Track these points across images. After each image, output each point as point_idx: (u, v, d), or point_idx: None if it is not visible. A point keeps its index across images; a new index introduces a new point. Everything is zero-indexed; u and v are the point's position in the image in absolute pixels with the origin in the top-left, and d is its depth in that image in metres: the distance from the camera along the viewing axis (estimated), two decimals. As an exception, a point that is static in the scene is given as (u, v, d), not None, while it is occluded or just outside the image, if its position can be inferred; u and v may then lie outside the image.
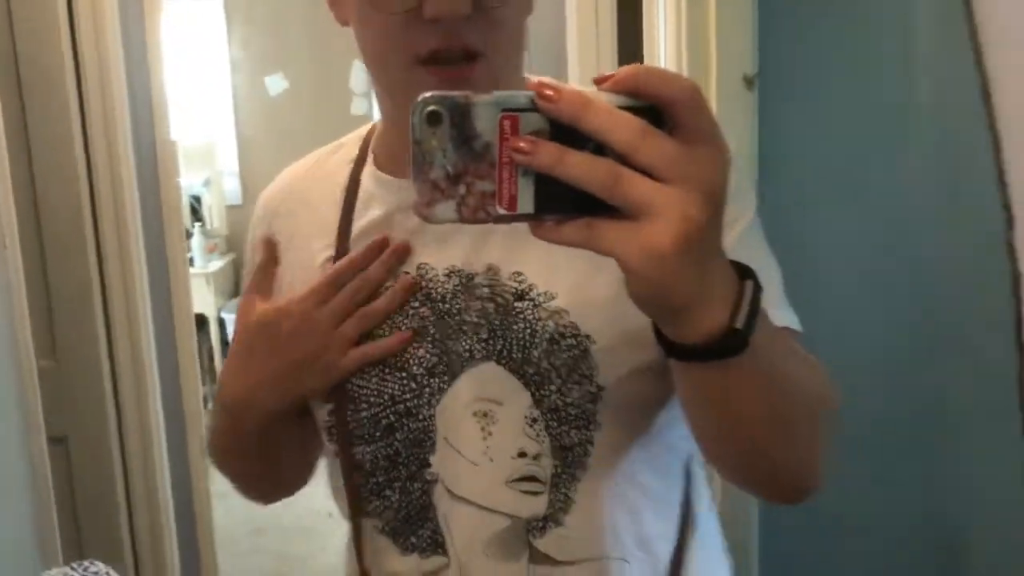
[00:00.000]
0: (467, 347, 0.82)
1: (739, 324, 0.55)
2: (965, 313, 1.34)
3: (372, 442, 0.85)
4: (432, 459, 0.83)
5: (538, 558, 0.82)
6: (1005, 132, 0.58)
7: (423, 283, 0.83)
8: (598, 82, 0.50)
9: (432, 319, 0.82)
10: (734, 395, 0.61)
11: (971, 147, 1.25)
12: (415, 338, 0.82)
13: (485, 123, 0.49)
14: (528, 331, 0.80)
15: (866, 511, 1.55)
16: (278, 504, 1.04)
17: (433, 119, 0.49)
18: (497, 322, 0.80)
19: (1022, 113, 0.56)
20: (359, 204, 0.87)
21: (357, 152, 0.90)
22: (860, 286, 1.53)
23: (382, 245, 0.83)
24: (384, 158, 0.88)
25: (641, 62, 1.63)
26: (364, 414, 0.84)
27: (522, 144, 0.48)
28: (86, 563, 1.44)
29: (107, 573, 1.43)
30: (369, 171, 0.88)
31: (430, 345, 0.82)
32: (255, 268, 0.89)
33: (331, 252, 0.86)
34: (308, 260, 0.88)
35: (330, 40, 3.50)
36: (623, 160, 0.49)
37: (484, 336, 0.81)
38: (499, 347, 0.81)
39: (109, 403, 2.12)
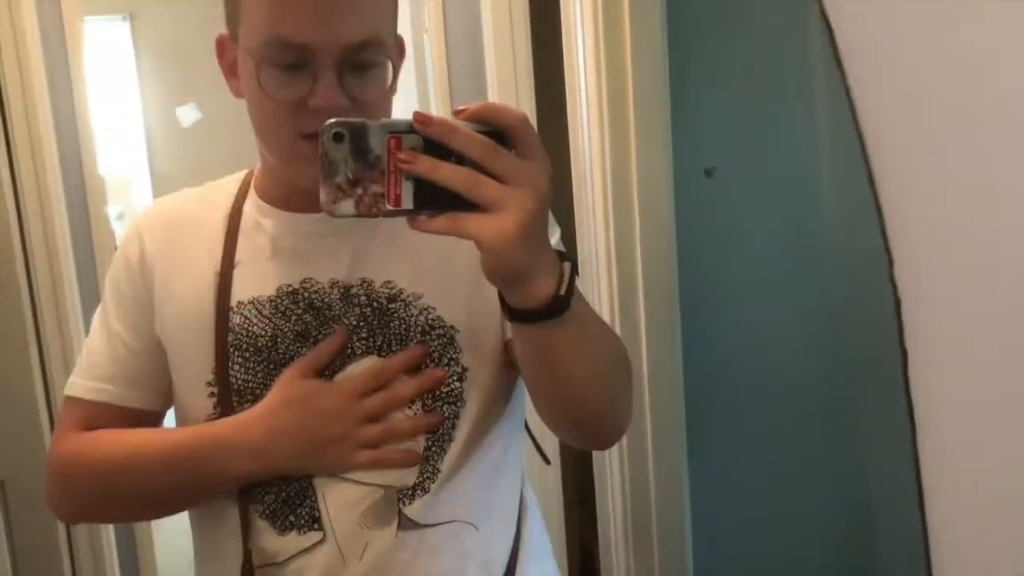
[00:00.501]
0: (349, 346, 0.95)
1: (562, 292, 0.74)
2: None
3: None
4: None
5: (405, 524, 0.94)
6: (876, 163, 0.62)
7: (306, 295, 0.95)
8: (458, 113, 0.69)
9: (315, 324, 0.95)
10: (560, 349, 0.80)
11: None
12: (298, 339, 0.95)
13: (377, 141, 0.67)
14: (403, 326, 0.95)
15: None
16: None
17: (338, 138, 0.67)
18: (375, 322, 0.95)
19: (892, 140, 0.61)
20: (243, 228, 0.99)
21: (239, 188, 1.03)
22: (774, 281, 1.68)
23: (419, 355, 0.95)
24: (266, 195, 1.00)
25: (557, 69, 1.77)
26: (248, 405, 0.94)
27: (406, 156, 0.67)
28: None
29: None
30: (253, 202, 1.01)
31: (313, 345, 0.95)
32: (319, 351, 0.95)
33: (217, 268, 0.97)
34: (196, 272, 0.98)
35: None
36: (478, 169, 0.67)
37: (364, 335, 0.95)
38: (379, 342, 0.95)
39: (48, 444, 2.11)
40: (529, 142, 0.70)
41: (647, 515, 1.71)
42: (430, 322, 0.95)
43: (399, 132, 0.67)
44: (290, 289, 0.95)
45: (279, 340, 0.95)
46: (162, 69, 4.46)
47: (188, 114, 4.44)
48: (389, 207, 0.68)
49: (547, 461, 1.12)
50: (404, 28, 2.30)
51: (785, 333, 1.69)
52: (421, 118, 0.67)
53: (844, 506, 1.72)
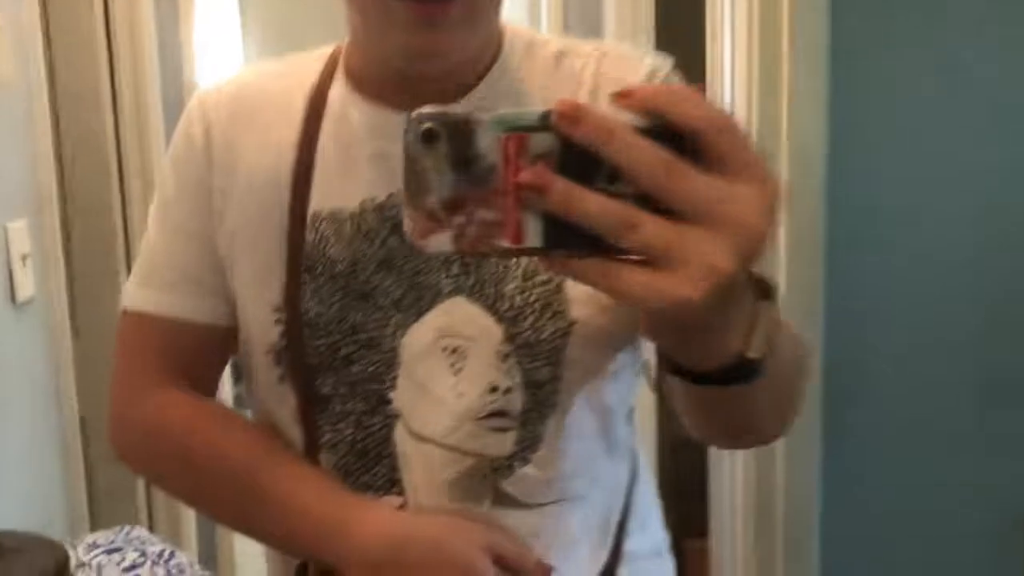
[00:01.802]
0: (436, 281, 0.79)
1: (753, 353, 0.52)
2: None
3: (328, 371, 0.80)
4: (392, 395, 0.80)
5: (503, 500, 0.80)
6: None
7: (393, 212, 0.78)
8: (619, 98, 0.45)
9: (401, 251, 0.79)
10: (738, 404, 0.60)
11: None
12: (381, 268, 0.79)
13: (488, 144, 0.44)
14: (501, 267, 0.78)
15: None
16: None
17: (429, 137, 0.44)
18: (469, 257, 0.78)
19: None
20: (327, 116, 0.81)
21: (324, 65, 0.84)
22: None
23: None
24: (355, 79, 0.82)
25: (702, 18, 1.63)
26: (320, 341, 0.80)
27: (531, 179, 0.43)
28: (127, 528, 1.42)
29: (148, 537, 1.40)
30: (340, 87, 0.82)
31: (398, 276, 0.79)
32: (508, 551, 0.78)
33: (293, 166, 0.81)
34: (268, 167, 0.81)
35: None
36: (649, 196, 0.43)
37: (455, 271, 0.79)
38: (471, 282, 0.78)
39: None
40: (736, 154, 0.44)
41: (771, 502, 1.55)
42: (534, 265, 0.78)
43: (523, 129, 0.44)
44: (376, 204, 0.79)
45: (359, 268, 0.79)
46: (267, 24, 4.44)
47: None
48: (505, 244, 0.45)
49: (656, 390, 0.95)
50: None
51: (937, 329, 1.52)
52: (567, 111, 0.43)
53: (993, 511, 1.54)
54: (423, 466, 0.80)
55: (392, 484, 0.80)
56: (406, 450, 0.80)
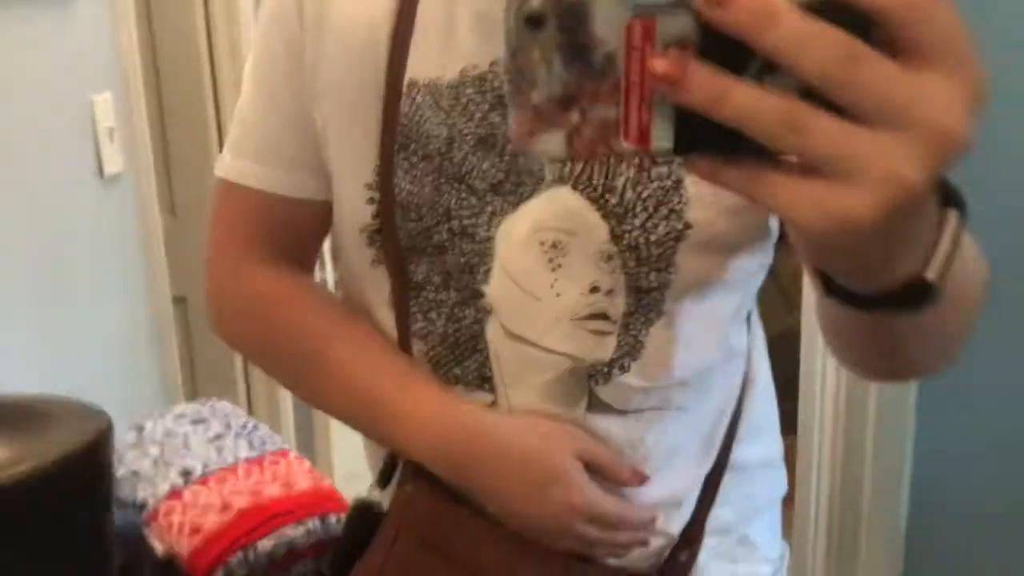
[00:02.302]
0: (540, 166, 0.72)
1: (931, 275, 0.43)
2: None
3: (421, 256, 0.76)
4: (486, 289, 0.75)
5: (598, 406, 0.75)
6: None
7: (497, 83, 0.70)
8: None
9: (503, 129, 0.71)
10: (906, 333, 0.53)
11: None
12: (479, 147, 0.71)
13: (608, 27, 0.36)
14: (614, 156, 0.70)
15: None
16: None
17: (535, 23, 0.37)
18: (584, 161, 0.70)
19: None
20: None
21: None
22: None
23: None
24: None
25: None
26: (413, 224, 0.75)
27: (666, 70, 0.35)
28: (213, 400, 1.45)
29: (233, 410, 1.44)
30: None
31: (497, 159, 0.72)
32: (601, 458, 0.76)
33: (391, 27, 0.72)
34: (363, 27, 0.73)
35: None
36: (813, 93, 0.35)
37: None
38: (578, 171, 0.71)
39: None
40: (938, 40, 0.35)
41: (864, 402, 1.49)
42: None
43: (652, 10, 0.36)
44: (477, 72, 0.71)
45: (456, 146, 0.72)
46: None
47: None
48: (627, 145, 0.38)
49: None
50: None
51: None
52: None
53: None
54: (516, 366, 0.75)
55: (483, 381, 0.76)
56: (498, 348, 0.75)
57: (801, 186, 0.36)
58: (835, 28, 0.34)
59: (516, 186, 0.72)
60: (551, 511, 0.73)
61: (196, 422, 1.37)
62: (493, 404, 0.76)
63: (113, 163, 1.51)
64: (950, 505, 1.51)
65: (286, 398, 2.27)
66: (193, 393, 2.03)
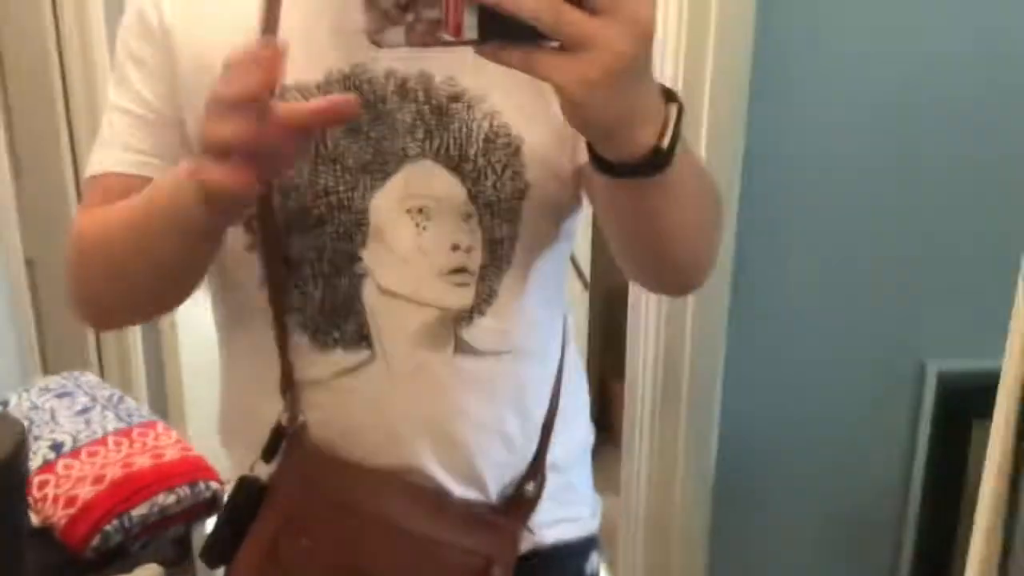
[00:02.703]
0: (402, 146, 0.84)
1: (664, 144, 0.62)
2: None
3: (300, 233, 0.86)
4: (363, 253, 0.86)
5: (463, 347, 0.88)
6: None
7: (357, 82, 0.83)
8: None
9: (367, 118, 0.84)
10: (655, 202, 0.70)
11: None
12: (348, 134, 0.84)
13: None
14: (464, 130, 0.84)
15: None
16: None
17: None
18: (433, 122, 0.84)
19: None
20: None
21: None
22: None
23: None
24: None
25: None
26: (292, 204, 0.85)
27: None
28: (76, 373, 1.50)
29: (98, 382, 1.49)
30: None
31: (365, 142, 0.84)
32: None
33: (255, 39, 0.80)
34: (228, 41, 0.76)
35: None
36: None
37: (420, 136, 0.84)
38: (436, 145, 0.84)
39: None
40: None
41: (680, 355, 1.68)
42: (495, 129, 0.84)
43: None
44: (341, 74, 0.83)
45: (328, 134, 0.84)
46: None
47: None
48: (447, 37, 0.55)
49: (587, 286, 1.05)
50: None
51: (846, 190, 1.60)
52: None
53: (888, 369, 1.68)
54: (390, 320, 0.87)
55: (361, 338, 0.88)
56: (374, 305, 0.87)
57: (559, 59, 0.56)
58: None
59: (382, 164, 0.85)
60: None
61: (61, 395, 1.42)
62: (371, 358, 0.88)
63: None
64: (757, 442, 1.75)
65: (139, 368, 2.31)
66: (45, 360, 2.04)
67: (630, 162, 0.62)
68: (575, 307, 2.41)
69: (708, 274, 0.86)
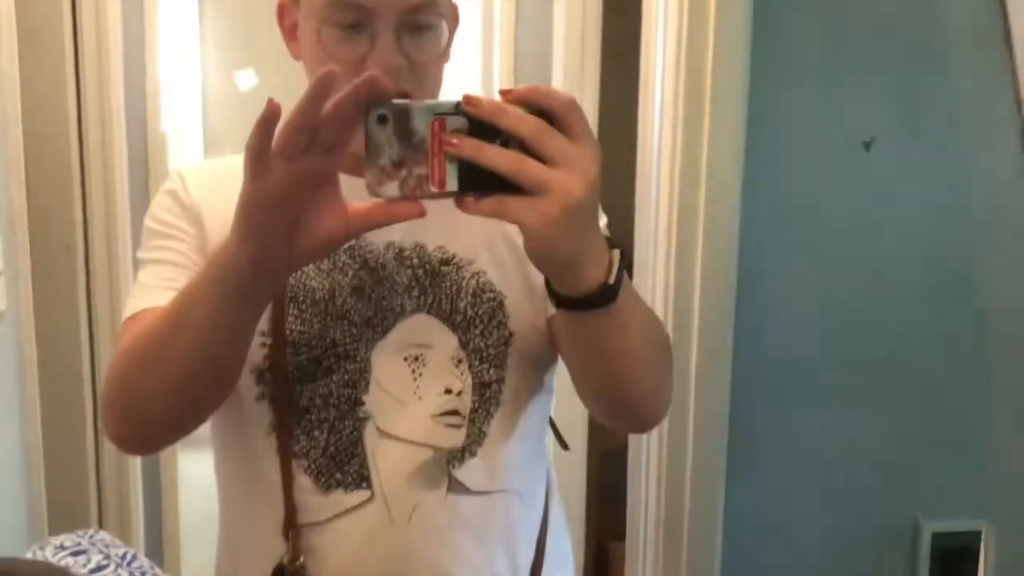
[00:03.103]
0: (400, 303, 0.96)
1: (611, 280, 0.73)
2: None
3: (309, 382, 0.94)
4: (365, 398, 0.95)
5: (455, 487, 0.95)
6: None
7: (361, 252, 0.95)
8: (504, 94, 0.67)
9: (370, 281, 0.95)
10: (605, 336, 0.80)
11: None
12: (354, 294, 0.94)
13: (420, 123, 0.66)
14: (454, 287, 0.96)
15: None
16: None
17: (382, 120, 0.66)
18: (427, 282, 0.96)
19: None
20: None
21: None
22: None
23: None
24: None
25: (637, 64, 1.78)
26: (304, 357, 0.94)
27: (452, 139, 0.65)
28: (90, 531, 1.52)
29: (112, 540, 1.50)
30: None
31: (367, 301, 0.95)
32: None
33: None
34: None
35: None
36: (525, 151, 0.66)
37: (415, 294, 0.96)
38: (429, 301, 0.96)
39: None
40: (578, 126, 0.67)
41: (679, 514, 1.71)
42: (481, 286, 0.97)
43: (444, 114, 0.66)
44: (347, 245, 0.93)
45: (336, 294, 0.95)
46: (225, 34, 4.51)
47: (246, 79, 4.48)
48: (433, 189, 0.66)
49: (566, 447, 1.13)
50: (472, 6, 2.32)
51: (841, 356, 1.68)
52: (470, 99, 0.65)
53: (884, 529, 1.71)
54: (389, 460, 0.94)
55: (361, 479, 0.94)
56: (374, 447, 0.95)
57: (523, 202, 0.66)
58: (536, 117, 0.66)
59: (383, 319, 0.96)
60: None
61: (76, 553, 1.43)
62: (371, 498, 0.94)
63: (-3, 304, 1.60)
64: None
65: (138, 502, 2.32)
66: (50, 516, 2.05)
67: (582, 295, 0.73)
68: (573, 469, 2.45)
69: (660, 410, 0.95)
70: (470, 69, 2.53)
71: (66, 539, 1.49)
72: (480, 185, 0.66)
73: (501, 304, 0.97)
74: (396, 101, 0.66)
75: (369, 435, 0.95)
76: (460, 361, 0.96)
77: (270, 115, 0.68)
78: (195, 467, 3.28)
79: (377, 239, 0.96)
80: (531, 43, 2.39)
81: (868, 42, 1.62)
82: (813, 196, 1.64)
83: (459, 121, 0.66)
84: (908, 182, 1.65)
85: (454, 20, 0.96)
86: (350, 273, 0.96)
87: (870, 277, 1.66)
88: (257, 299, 0.79)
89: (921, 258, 1.66)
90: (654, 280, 1.71)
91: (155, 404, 0.86)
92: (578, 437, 2.40)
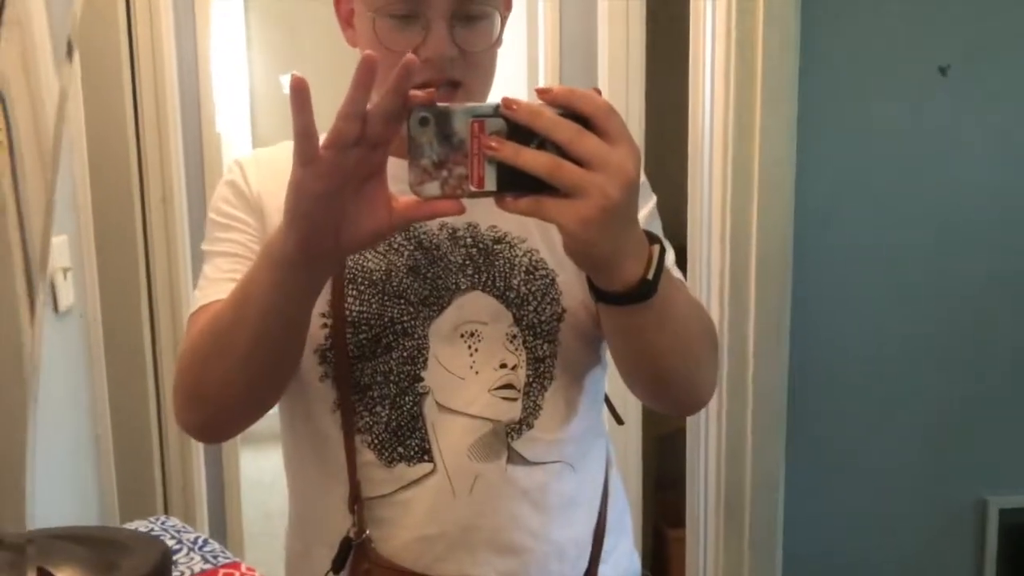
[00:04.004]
0: (455, 281, 0.97)
1: (650, 276, 0.74)
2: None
3: (370, 360, 0.96)
4: (424, 374, 0.97)
5: (514, 458, 0.97)
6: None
7: (415, 233, 0.98)
8: (540, 93, 0.68)
9: (424, 261, 0.98)
10: (647, 330, 0.81)
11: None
12: (409, 274, 0.96)
13: (461, 125, 0.68)
14: (507, 265, 0.98)
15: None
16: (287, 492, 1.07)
17: (423, 122, 0.68)
18: (480, 260, 0.98)
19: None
20: None
21: None
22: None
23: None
24: None
25: (686, 43, 1.78)
26: (364, 336, 0.96)
27: (491, 141, 0.67)
28: (162, 517, 1.56)
29: (183, 526, 1.55)
30: None
31: (423, 280, 0.97)
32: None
33: None
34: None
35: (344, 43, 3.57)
36: (562, 153, 0.67)
37: (469, 272, 0.98)
38: (484, 279, 0.98)
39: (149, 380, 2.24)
40: (615, 128, 0.68)
41: (740, 498, 1.70)
42: (534, 263, 0.98)
43: (483, 116, 0.67)
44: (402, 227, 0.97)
45: (392, 274, 0.97)
46: (271, 38, 4.59)
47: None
48: (473, 189, 0.68)
49: (620, 422, 1.14)
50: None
51: (898, 332, 1.66)
52: (508, 102, 0.67)
53: (948, 507, 1.69)
54: (449, 433, 0.96)
55: (423, 452, 0.97)
56: (435, 420, 0.97)
57: (560, 203, 0.67)
58: (571, 120, 0.67)
59: (439, 297, 0.98)
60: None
61: (149, 539, 1.48)
62: (433, 471, 0.96)
63: (65, 298, 1.65)
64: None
65: (202, 491, 2.38)
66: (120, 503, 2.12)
67: (622, 291, 0.74)
68: (629, 454, 2.45)
69: (704, 396, 0.97)
70: (515, 47, 2.54)
71: (140, 525, 1.54)
72: (518, 185, 0.68)
73: (553, 281, 0.98)
74: (436, 105, 0.68)
75: (429, 409, 0.97)
76: (514, 337, 0.97)
77: (298, 88, 0.69)
78: (256, 463, 3.38)
79: (431, 220, 0.96)
80: (575, 21, 2.39)
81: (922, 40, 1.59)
82: (869, 171, 1.63)
83: (498, 123, 0.67)
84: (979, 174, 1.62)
85: (506, 7, 0.97)
86: (405, 254, 0.98)
87: (933, 249, 1.65)
88: (309, 284, 0.81)
89: (987, 236, 1.64)
90: (709, 266, 1.71)
91: (224, 392, 0.88)
92: (632, 421, 2.40)
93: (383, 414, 0.97)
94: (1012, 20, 1.60)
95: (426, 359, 0.97)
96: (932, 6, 1.59)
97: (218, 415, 0.92)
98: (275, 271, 0.79)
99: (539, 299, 0.98)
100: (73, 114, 1.70)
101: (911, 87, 1.61)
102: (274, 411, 1.01)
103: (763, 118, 1.58)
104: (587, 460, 1.03)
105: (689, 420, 1.86)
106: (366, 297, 0.96)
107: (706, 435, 1.76)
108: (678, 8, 1.89)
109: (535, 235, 0.99)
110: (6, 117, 0.55)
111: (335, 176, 0.71)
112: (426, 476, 0.96)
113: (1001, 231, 1.64)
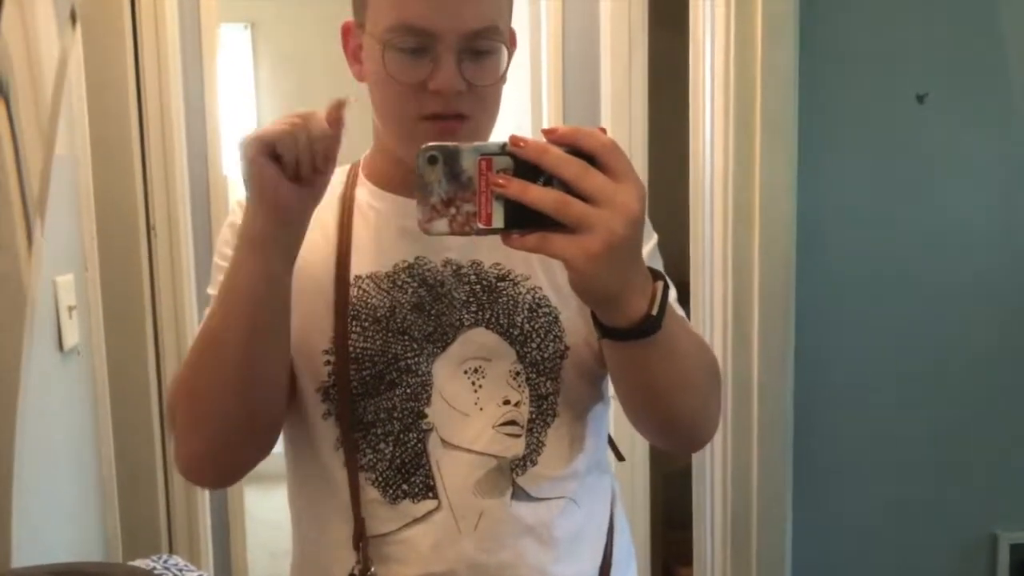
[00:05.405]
0: (459, 318, 0.98)
1: (654, 311, 0.75)
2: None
3: (375, 396, 0.96)
4: (428, 411, 0.97)
5: (519, 494, 0.97)
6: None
7: (419, 270, 0.98)
8: (547, 133, 0.69)
9: (429, 298, 0.98)
10: (651, 365, 0.82)
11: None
12: (414, 311, 0.97)
13: (469, 163, 0.69)
14: (511, 302, 0.99)
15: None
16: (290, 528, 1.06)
17: (432, 160, 0.69)
18: (484, 298, 0.99)
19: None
20: (357, 211, 1.02)
21: (346, 177, 1.05)
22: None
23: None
24: (378, 179, 1.03)
25: (686, 80, 1.80)
26: (367, 372, 0.96)
27: (499, 179, 0.68)
28: (165, 556, 1.55)
29: (185, 564, 1.54)
30: (365, 188, 1.04)
31: (427, 316, 0.98)
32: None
33: (334, 247, 0.99)
34: (312, 249, 0.94)
35: (351, 80, 3.58)
36: (568, 190, 0.68)
37: (473, 309, 0.99)
38: (487, 316, 0.99)
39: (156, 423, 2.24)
40: (620, 165, 0.69)
41: (747, 536, 1.69)
42: (537, 301, 0.99)
43: (490, 154, 0.69)
44: (405, 264, 0.99)
45: (397, 310, 0.98)
46: (279, 76, 4.65)
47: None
48: (480, 226, 0.69)
49: (621, 458, 1.14)
50: (521, 25, 2.37)
51: (905, 363, 1.66)
52: (515, 140, 0.68)
53: (958, 542, 1.67)
54: (453, 470, 0.97)
55: (428, 489, 0.97)
56: (438, 458, 0.97)
57: (566, 239, 0.68)
58: (577, 158, 0.68)
59: (443, 334, 0.98)
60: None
61: (151, 578, 1.47)
62: (437, 507, 0.96)
63: (70, 337, 1.65)
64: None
65: (206, 531, 2.36)
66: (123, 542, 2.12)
67: (627, 327, 0.75)
68: (636, 492, 2.43)
69: (707, 432, 0.96)
70: (518, 87, 2.56)
71: (142, 563, 1.54)
72: (526, 221, 0.69)
73: (556, 319, 0.99)
74: (445, 143, 0.69)
75: (433, 446, 0.97)
76: (518, 374, 0.98)
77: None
78: (262, 502, 3.36)
79: (435, 257, 0.99)
80: (577, 44, 2.42)
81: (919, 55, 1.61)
82: (868, 200, 1.63)
83: (505, 160, 0.68)
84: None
85: (512, 44, 0.99)
86: (409, 291, 0.99)
87: (939, 275, 1.65)
88: (288, 241, 0.85)
89: (987, 261, 1.63)
90: (712, 299, 1.71)
91: (216, 406, 0.88)
92: (639, 458, 2.39)
93: (387, 451, 0.97)
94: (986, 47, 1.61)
95: (430, 395, 0.97)
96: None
97: (215, 439, 0.91)
98: (255, 249, 0.84)
99: (542, 336, 0.98)
100: (81, 158, 1.72)
101: (894, 114, 1.62)
102: (279, 450, 1.01)
103: (762, 153, 1.59)
104: (591, 496, 1.03)
105: (695, 455, 1.85)
106: (370, 334, 0.97)
107: (711, 469, 1.75)
108: (679, 56, 1.91)
109: (539, 273, 1.00)
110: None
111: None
112: (431, 513, 0.96)
113: (999, 256, 1.64)
